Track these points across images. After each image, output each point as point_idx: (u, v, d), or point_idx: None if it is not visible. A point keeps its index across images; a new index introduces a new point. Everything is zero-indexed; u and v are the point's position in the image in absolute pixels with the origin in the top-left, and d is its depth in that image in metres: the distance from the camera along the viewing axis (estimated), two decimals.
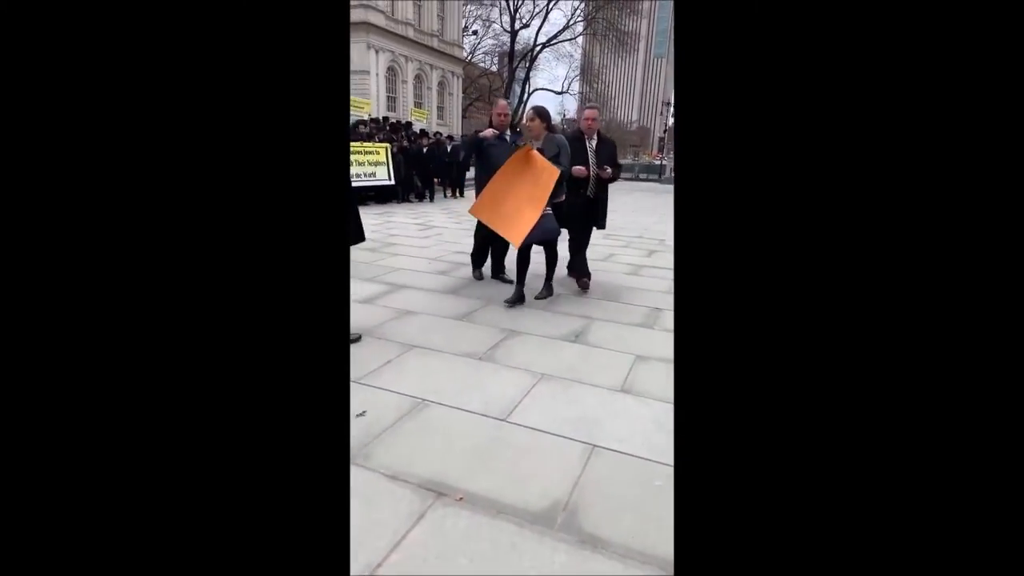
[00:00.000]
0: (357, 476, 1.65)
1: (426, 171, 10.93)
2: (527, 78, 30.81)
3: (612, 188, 4.23)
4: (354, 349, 2.69)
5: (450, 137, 14.10)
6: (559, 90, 32.07)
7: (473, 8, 32.45)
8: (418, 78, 27.40)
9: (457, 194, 12.26)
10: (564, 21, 30.69)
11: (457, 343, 2.81)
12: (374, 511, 1.49)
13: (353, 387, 2.27)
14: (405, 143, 10.49)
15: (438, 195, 11.65)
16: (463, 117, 31.18)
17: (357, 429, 1.93)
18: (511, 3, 29.04)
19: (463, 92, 31.88)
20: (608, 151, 3.94)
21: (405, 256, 5.06)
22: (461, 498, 1.57)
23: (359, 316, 3.21)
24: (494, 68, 35.33)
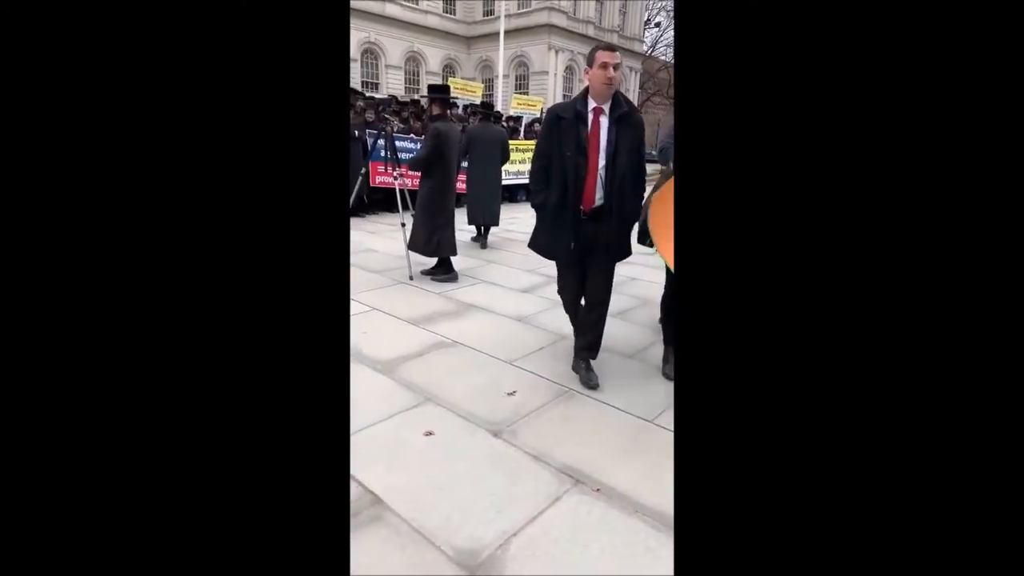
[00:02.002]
0: (502, 450, 1.77)
1: None
2: None
3: None
4: (511, 334, 2.86)
5: None
6: None
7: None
8: None
9: None
10: None
11: (610, 339, 2.80)
12: (514, 485, 1.58)
13: (507, 368, 2.42)
14: None
15: None
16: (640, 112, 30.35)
17: (507, 407, 2.05)
18: None
19: (640, 87, 31.07)
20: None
21: None
22: (598, 489, 1.57)
23: (518, 305, 3.39)
24: None
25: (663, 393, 2.22)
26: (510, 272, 4.28)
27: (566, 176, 2.07)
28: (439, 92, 4.01)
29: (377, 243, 5.07)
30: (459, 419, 1.95)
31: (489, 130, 5.25)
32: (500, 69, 14.85)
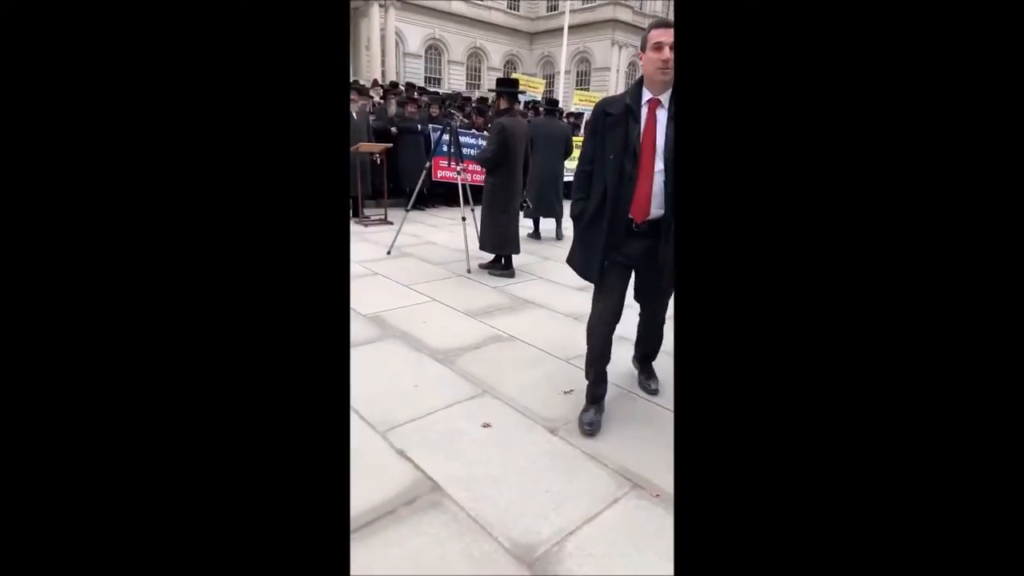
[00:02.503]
0: (560, 447, 1.76)
1: None
2: None
3: None
4: (567, 332, 2.84)
5: None
6: None
7: None
8: None
9: None
10: None
11: (671, 344, 2.73)
12: (571, 483, 1.58)
13: (563, 365, 2.41)
14: None
15: None
16: None
17: (564, 404, 2.05)
18: None
19: None
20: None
21: None
22: (657, 495, 1.54)
23: (574, 303, 3.36)
24: None
25: None
26: (566, 269, 4.25)
27: (606, 184, 1.73)
28: (507, 86, 3.96)
29: (437, 236, 5.17)
30: (516, 413, 1.97)
31: (552, 125, 5.23)
32: (562, 65, 14.75)
